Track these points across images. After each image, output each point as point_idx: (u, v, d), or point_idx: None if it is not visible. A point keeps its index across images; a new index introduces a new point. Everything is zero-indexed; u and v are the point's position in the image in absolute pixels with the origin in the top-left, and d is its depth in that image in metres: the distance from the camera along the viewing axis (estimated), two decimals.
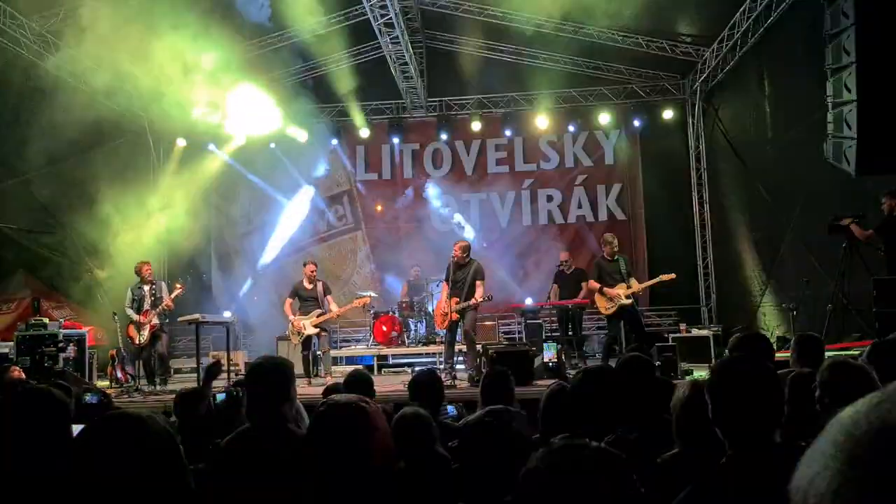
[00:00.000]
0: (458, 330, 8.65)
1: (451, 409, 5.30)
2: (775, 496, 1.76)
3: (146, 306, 9.07)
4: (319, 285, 9.47)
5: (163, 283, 9.44)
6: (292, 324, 9.32)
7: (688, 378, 5.95)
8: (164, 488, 1.59)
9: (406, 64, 11.77)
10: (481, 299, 8.49)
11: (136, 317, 9.03)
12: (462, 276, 8.59)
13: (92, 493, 1.53)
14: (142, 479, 1.55)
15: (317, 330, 9.22)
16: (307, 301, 9.37)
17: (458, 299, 8.52)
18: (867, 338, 6.71)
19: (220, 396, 3.75)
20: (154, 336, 9.04)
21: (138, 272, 9.21)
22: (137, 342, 9.01)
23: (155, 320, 9.03)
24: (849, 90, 6.73)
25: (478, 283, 8.51)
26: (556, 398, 3.13)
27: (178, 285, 9.34)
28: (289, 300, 9.47)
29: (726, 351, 5.86)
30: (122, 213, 11.90)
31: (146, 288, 9.15)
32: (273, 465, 2.29)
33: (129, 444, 1.57)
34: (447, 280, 8.77)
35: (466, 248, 8.73)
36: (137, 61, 10.38)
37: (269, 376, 2.58)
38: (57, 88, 10.41)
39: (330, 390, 4.43)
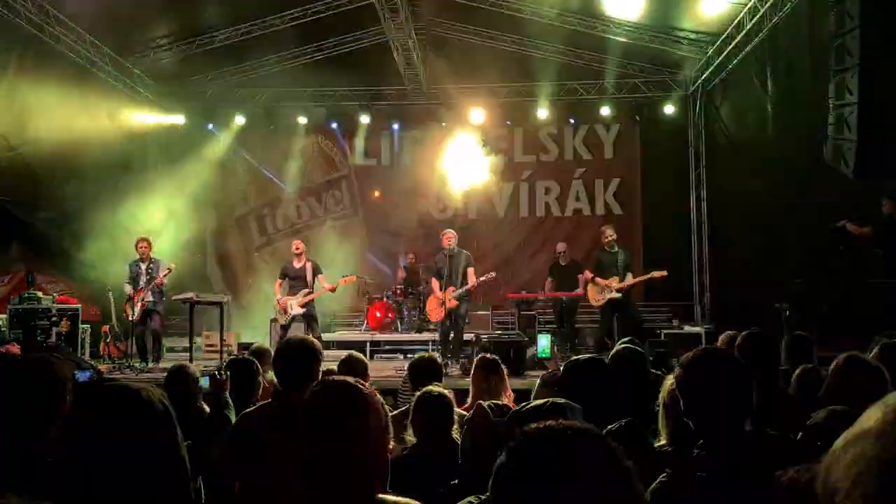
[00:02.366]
0: (453, 318, 8.76)
1: None
2: (744, 484, 1.78)
3: (141, 283, 9.06)
4: (308, 265, 9.25)
5: (161, 261, 9.41)
6: (278, 303, 9.28)
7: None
8: (160, 462, 1.58)
9: (409, 50, 11.70)
10: (483, 278, 8.62)
11: (130, 293, 9.03)
12: (455, 266, 8.69)
13: (82, 466, 1.52)
14: (136, 451, 1.53)
15: (302, 310, 9.15)
16: (295, 280, 9.24)
17: (453, 288, 8.60)
18: (859, 340, 6.73)
19: (204, 381, 3.69)
20: (146, 313, 9.03)
21: (135, 248, 9.21)
22: (130, 319, 9.01)
23: (148, 297, 9.01)
24: (850, 92, 6.74)
25: (470, 270, 8.65)
26: (549, 385, 3.14)
27: (171, 264, 9.34)
28: (279, 281, 9.40)
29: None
30: (120, 189, 11.85)
31: (143, 265, 9.14)
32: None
33: (124, 415, 1.56)
34: (436, 274, 8.86)
35: (455, 237, 8.87)
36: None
37: (299, 354, 2.89)
38: (52, 62, 10.33)
39: (324, 373, 4.44)
